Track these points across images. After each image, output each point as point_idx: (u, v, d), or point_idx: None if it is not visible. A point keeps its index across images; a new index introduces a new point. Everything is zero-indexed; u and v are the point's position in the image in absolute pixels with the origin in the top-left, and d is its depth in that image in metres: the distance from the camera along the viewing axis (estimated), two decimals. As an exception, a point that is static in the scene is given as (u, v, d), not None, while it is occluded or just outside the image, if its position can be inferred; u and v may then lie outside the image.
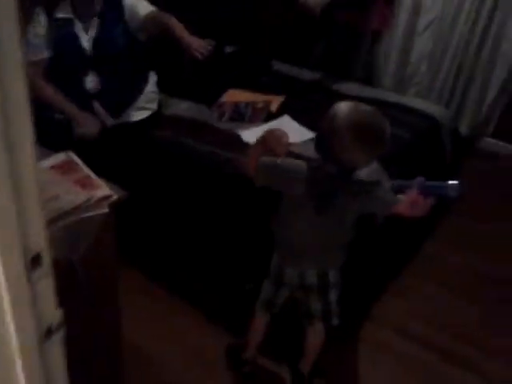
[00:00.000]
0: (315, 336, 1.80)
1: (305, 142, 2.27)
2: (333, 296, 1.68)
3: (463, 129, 3.36)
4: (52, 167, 1.28)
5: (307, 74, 3.04)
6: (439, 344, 2.07)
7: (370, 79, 3.38)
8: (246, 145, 2.23)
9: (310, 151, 2.15)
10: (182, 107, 2.60)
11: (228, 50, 3.23)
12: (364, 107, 1.43)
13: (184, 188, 2.23)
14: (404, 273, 2.38)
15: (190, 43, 2.19)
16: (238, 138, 2.30)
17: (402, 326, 2.13)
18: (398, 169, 2.03)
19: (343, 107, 1.40)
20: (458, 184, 1.35)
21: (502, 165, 3.28)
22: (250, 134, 2.32)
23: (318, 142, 1.47)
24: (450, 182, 1.36)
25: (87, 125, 2.21)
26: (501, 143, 3.43)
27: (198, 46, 2.19)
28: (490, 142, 3.44)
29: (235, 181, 2.06)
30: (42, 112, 2.04)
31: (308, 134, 2.34)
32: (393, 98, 2.74)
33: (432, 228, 2.64)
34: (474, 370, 1.96)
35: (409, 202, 1.38)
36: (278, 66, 3.19)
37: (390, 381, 1.93)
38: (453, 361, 2.00)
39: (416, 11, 3.29)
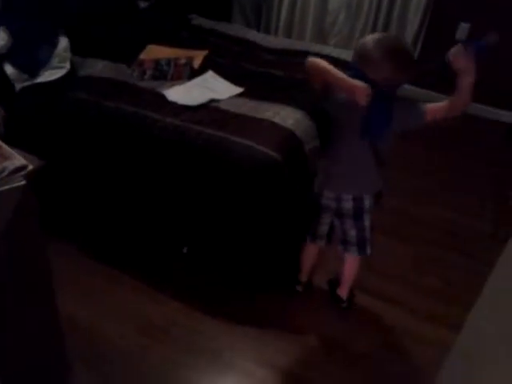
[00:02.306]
0: (352, 264, 1.96)
1: (231, 98, 2.23)
2: (367, 222, 1.82)
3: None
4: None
5: (226, 27, 2.95)
6: (374, 286, 2.16)
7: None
8: (171, 104, 2.15)
9: (238, 107, 2.14)
10: (98, 67, 2.43)
11: (142, 5, 3.06)
12: (388, 34, 1.76)
13: (108, 152, 2.12)
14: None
15: None
16: (163, 98, 2.20)
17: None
18: (325, 118, 2.03)
19: (370, 38, 1.57)
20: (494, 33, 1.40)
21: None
22: (175, 93, 2.24)
23: (354, 75, 1.53)
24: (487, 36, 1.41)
25: None
26: (419, 90, 3.56)
27: None
28: (409, 89, 3.55)
29: (162, 142, 1.99)
30: None
31: (234, 90, 2.29)
32: (314, 48, 2.73)
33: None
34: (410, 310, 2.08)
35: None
36: (197, 20, 3.08)
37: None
38: (390, 301, 2.11)
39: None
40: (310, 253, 2.04)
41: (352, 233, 1.85)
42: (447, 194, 2.77)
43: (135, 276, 2.12)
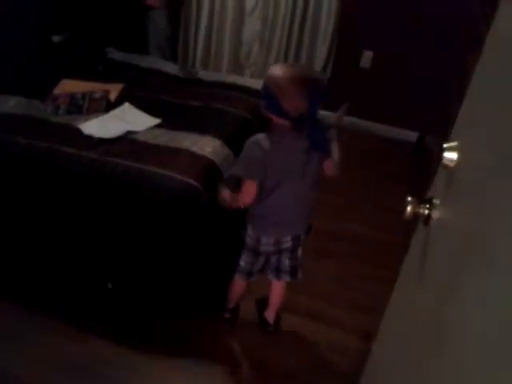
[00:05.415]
0: (280, 288, 2.03)
1: (148, 129, 2.25)
2: (299, 252, 1.91)
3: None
4: None
5: (143, 60, 2.99)
6: (299, 305, 2.23)
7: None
8: (87, 138, 2.13)
9: (156, 138, 2.17)
10: (10, 104, 2.38)
11: (56, 39, 3.03)
12: (293, 64, 1.79)
13: (23, 189, 2.06)
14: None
15: None
16: (78, 132, 2.18)
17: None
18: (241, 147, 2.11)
19: (278, 69, 1.61)
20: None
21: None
22: (90, 126, 2.23)
23: (269, 105, 1.62)
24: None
25: None
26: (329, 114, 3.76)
27: None
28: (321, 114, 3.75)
29: (78, 177, 1.97)
30: None
31: (151, 121, 2.32)
32: (229, 79, 2.83)
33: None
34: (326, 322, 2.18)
35: None
36: (113, 53, 3.09)
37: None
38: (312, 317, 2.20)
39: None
40: (241, 286, 2.06)
41: (286, 262, 1.92)
42: (363, 211, 2.94)
43: (58, 317, 2.05)
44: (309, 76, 1.64)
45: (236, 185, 1.76)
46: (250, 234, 1.84)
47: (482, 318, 0.65)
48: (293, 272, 1.94)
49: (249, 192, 1.69)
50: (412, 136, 3.66)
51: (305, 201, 1.78)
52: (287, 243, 1.85)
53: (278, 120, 1.63)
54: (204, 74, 2.91)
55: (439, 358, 0.80)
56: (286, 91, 1.56)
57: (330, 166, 1.76)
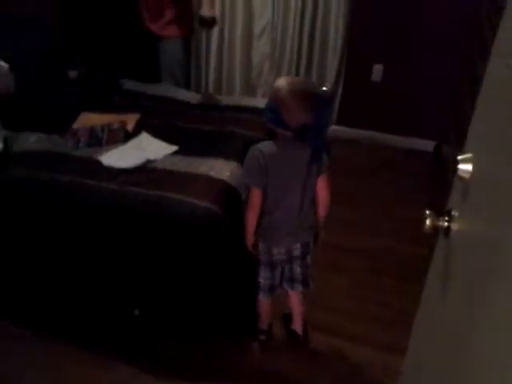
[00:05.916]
0: (298, 297, 2.07)
1: (166, 157, 2.29)
2: (309, 259, 1.96)
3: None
4: None
5: (156, 89, 3.06)
6: (321, 321, 2.22)
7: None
8: (107, 169, 2.18)
9: (174, 165, 2.21)
10: (31, 141, 2.44)
11: (73, 75, 3.12)
12: (298, 78, 1.86)
13: (49, 223, 2.10)
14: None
15: None
16: (98, 164, 2.23)
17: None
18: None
19: (282, 82, 1.68)
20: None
21: (345, 148, 3.57)
22: (110, 157, 2.28)
23: (271, 117, 1.68)
24: None
25: None
26: (343, 128, 3.78)
27: None
28: (335, 129, 3.76)
29: (100, 208, 2.01)
30: None
31: (169, 148, 2.36)
32: (243, 101, 2.87)
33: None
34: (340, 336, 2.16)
35: None
36: (127, 84, 3.17)
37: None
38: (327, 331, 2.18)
39: (250, 17, 3.53)
40: (268, 305, 2.07)
41: (297, 270, 1.96)
42: (379, 223, 2.91)
43: (84, 345, 2.07)
44: (309, 90, 1.68)
45: (247, 193, 1.82)
46: (262, 247, 1.88)
47: (496, 333, 0.64)
48: (304, 281, 1.98)
49: (254, 198, 1.74)
50: (430, 146, 3.63)
51: (306, 214, 1.83)
52: (297, 250, 1.89)
53: (281, 132, 1.69)
54: (219, 99, 2.96)
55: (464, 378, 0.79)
56: (288, 104, 1.62)
57: (323, 185, 1.80)
